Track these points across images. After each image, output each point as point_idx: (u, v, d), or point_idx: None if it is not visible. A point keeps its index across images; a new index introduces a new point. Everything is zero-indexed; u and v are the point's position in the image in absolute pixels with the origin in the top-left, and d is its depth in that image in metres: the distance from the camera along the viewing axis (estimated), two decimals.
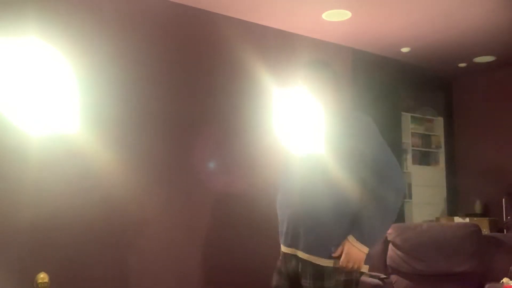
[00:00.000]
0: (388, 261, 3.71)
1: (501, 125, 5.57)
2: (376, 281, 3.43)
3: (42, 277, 2.93)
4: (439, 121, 6.04)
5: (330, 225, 2.10)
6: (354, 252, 2.04)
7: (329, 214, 2.10)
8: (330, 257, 2.10)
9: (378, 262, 3.75)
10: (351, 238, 2.06)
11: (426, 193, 5.71)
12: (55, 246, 3.05)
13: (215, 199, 3.79)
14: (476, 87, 5.89)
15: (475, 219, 5.10)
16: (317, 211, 2.11)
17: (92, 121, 3.28)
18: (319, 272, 2.10)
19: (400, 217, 5.10)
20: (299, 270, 2.17)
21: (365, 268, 2.15)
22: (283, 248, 2.28)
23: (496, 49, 4.92)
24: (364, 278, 3.47)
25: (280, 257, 2.32)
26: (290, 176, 2.31)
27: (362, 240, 2.05)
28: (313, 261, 2.11)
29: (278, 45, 4.29)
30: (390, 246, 3.73)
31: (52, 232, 3.05)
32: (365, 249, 2.05)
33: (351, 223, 2.10)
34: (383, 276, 3.55)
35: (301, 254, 2.16)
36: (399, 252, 3.66)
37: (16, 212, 2.95)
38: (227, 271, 3.74)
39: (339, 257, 2.08)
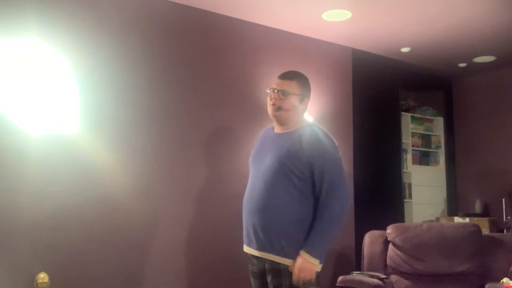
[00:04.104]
0: (388, 261, 3.71)
1: (501, 125, 5.56)
2: (376, 281, 3.43)
3: (42, 277, 2.94)
4: (439, 121, 6.04)
5: (283, 226, 2.27)
6: (308, 266, 2.22)
7: (283, 216, 2.28)
8: (284, 255, 2.26)
9: (378, 262, 3.75)
10: (304, 253, 2.22)
11: (426, 193, 5.72)
12: (55, 246, 3.05)
13: (216, 197, 3.79)
14: (476, 87, 5.88)
15: (475, 219, 5.09)
16: (272, 214, 2.29)
17: (92, 121, 3.28)
18: (277, 270, 2.28)
19: (400, 217, 5.10)
20: (265, 268, 2.35)
21: (318, 268, 2.28)
22: (245, 248, 2.45)
23: (496, 49, 4.92)
24: (364, 278, 3.48)
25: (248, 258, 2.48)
26: (250, 182, 2.52)
27: (314, 255, 2.23)
28: (269, 259, 2.29)
29: (278, 45, 4.29)
30: (390, 246, 3.73)
31: (52, 232, 3.05)
32: (317, 262, 2.23)
33: (303, 228, 2.27)
34: (383, 276, 3.55)
35: (256, 253, 2.34)
36: (399, 252, 3.67)
37: (16, 212, 2.95)
38: (230, 269, 3.74)
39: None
